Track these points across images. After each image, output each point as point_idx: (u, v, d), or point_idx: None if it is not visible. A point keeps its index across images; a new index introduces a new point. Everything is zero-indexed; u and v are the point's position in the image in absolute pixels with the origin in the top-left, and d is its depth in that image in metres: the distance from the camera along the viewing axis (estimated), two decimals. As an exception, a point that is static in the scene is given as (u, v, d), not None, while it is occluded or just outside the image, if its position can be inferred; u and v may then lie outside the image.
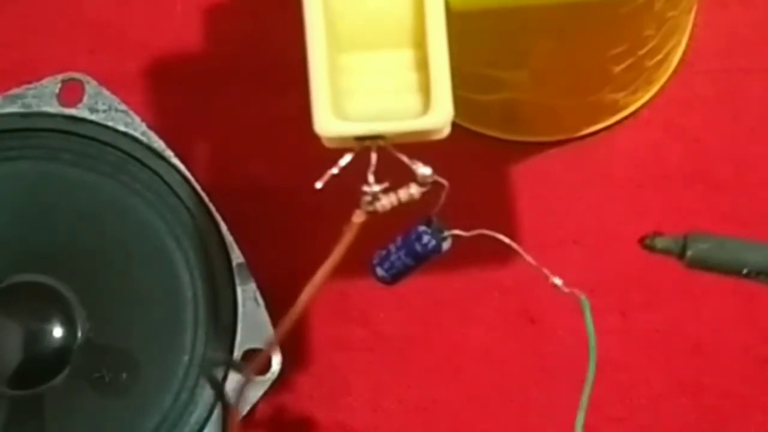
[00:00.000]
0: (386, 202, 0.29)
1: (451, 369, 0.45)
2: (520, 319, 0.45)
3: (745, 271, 0.29)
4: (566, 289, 0.32)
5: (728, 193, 0.46)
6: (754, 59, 0.47)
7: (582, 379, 0.45)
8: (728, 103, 0.47)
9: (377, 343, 0.46)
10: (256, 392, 0.41)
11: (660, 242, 0.30)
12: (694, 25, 0.47)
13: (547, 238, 0.46)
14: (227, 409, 0.27)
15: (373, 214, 0.29)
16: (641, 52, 0.41)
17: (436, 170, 0.45)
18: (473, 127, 0.46)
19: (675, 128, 0.47)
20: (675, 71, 0.46)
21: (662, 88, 0.46)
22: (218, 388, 0.25)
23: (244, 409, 0.41)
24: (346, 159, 0.29)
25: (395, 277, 0.31)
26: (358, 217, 0.29)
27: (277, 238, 0.45)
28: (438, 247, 0.30)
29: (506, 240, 0.31)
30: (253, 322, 0.42)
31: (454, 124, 0.46)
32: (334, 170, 0.29)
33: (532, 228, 0.46)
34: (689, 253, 0.29)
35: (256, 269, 0.43)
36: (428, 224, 0.30)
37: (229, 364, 0.35)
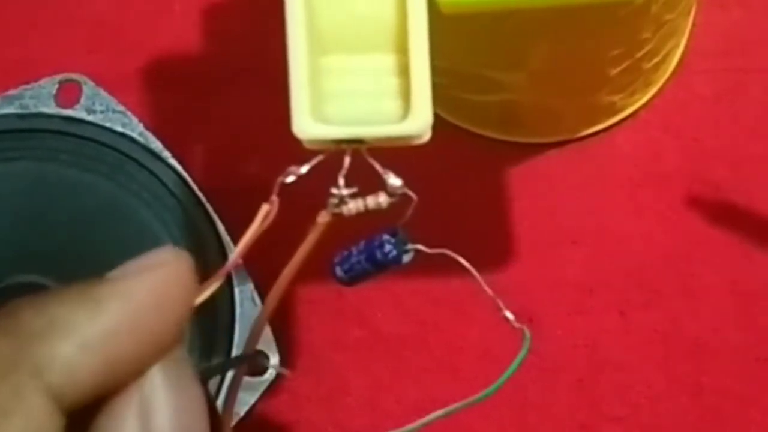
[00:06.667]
0: (353, 206, 0.29)
1: (450, 369, 0.45)
2: (518, 319, 0.45)
3: None
4: (516, 324, 0.32)
5: (727, 193, 0.46)
6: (753, 60, 0.47)
7: (581, 379, 0.45)
8: (727, 104, 0.46)
9: (375, 343, 0.46)
10: (254, 393, 0.41)
11: None
12: (693, 25, 0.46)
13: (547, 238, 0.46)
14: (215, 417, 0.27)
15: (338, 217, 0.29)
16: (638, 55, 0.41)
17: (435, 170, 0.45)
18: (472, 128, 0.46)
19: (674, 129, 0.47)
20: (673, 72, 0.46)
21: (661, 89, 0.46)
22: None
23: (242, 410, 0.41)
24: (317, 159, 0.29)
25: (353, 279, 0.31)
26: (323, 218, 0.29)
27: (275, 238, 0.45)
28: (398, 258, 0.30)
29: (465, 263, 0.31)
30: (251, 322, 0.42)
31: (452, 125, 0.46)
32: (303, 170, 0.29)
33: (531, 228, 0.46)
34: None
35: (253, 270, 0.43)
36: (393, 234, 0.30)
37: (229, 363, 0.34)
